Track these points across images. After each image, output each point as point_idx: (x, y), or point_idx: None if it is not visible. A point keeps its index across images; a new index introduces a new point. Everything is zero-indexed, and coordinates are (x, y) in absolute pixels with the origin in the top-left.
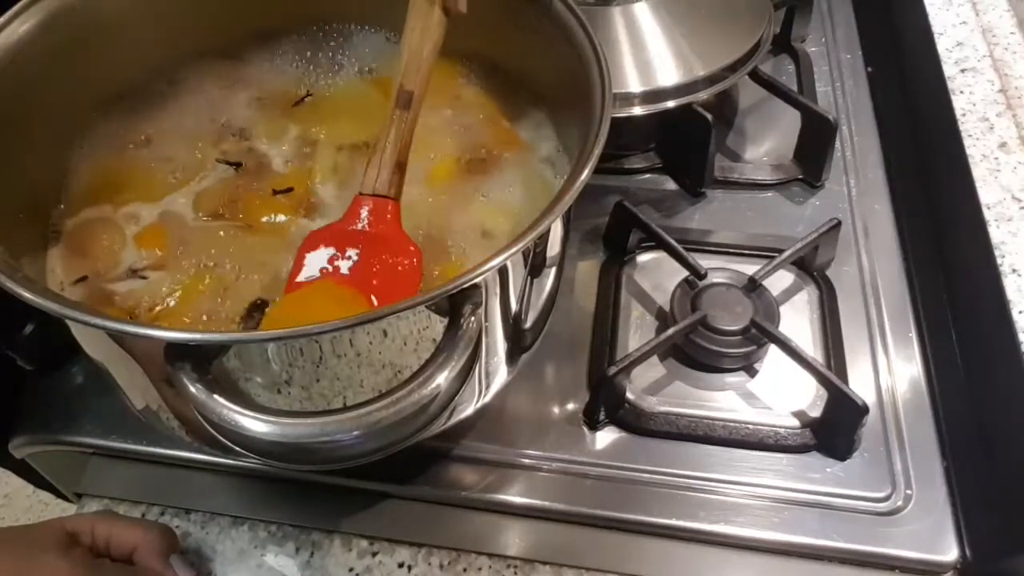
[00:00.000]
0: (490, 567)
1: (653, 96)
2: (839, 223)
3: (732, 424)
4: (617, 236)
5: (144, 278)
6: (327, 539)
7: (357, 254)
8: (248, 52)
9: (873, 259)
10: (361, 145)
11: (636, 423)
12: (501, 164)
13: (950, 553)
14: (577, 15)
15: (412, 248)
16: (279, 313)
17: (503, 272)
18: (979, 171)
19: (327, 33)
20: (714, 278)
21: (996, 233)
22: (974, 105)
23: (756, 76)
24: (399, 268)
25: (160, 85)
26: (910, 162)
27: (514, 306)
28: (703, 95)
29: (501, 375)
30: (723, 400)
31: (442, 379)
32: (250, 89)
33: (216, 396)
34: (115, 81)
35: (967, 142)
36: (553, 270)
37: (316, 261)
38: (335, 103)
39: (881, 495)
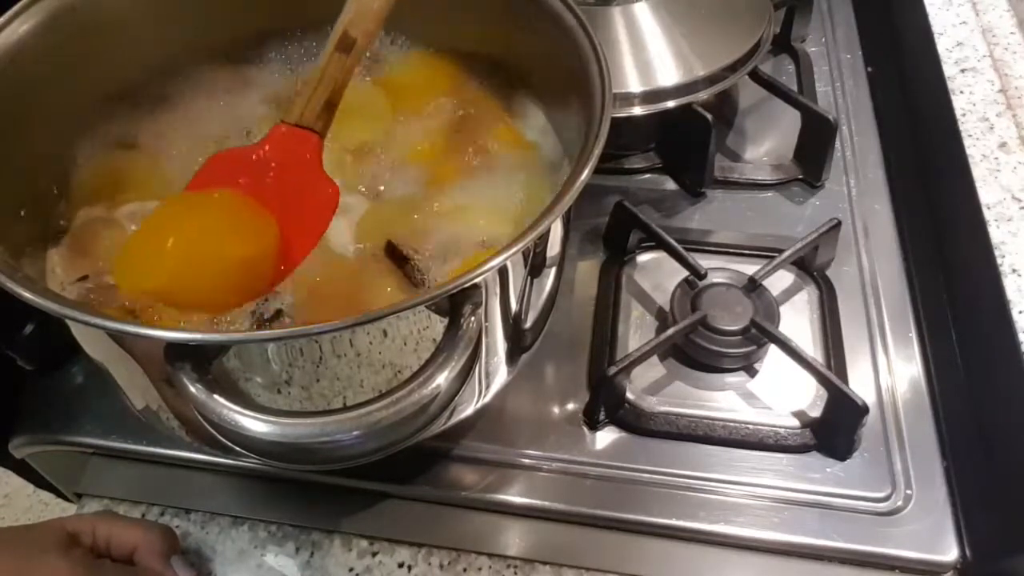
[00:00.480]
0: (490, 567)
1: (653, 96)
2: (839, 223)
3: (732, 424)
4: (617, 236)
5: None
6: (327, 539)
7: (269, 177)
8: (252, 52)
9: (873, 259)
10: (367, 145)
11: (636, 423)
12: (504, 164)
13: (950, 553)
14: (577, 15)
15: (329, 187)
16: (172, 208)
17: (503, 272)
18: (979, 171)
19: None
20: (714, 278)
21: (996, 233)
22: (974, 105)
23: (756, 76)
24: (311, 202)
25: (163, 85)
26: (910, 162)
27: (514, 306)
28: (703, 95)
29: (501, 375)
30: (723, 400)
31: (442, 379)
32: (255, 90)
33: (216, 396)
34: (116, 81)
35: (967, 142)
36: (553, 270)
37: (224, 173)
38: (341, 104)
39: (881, 495)
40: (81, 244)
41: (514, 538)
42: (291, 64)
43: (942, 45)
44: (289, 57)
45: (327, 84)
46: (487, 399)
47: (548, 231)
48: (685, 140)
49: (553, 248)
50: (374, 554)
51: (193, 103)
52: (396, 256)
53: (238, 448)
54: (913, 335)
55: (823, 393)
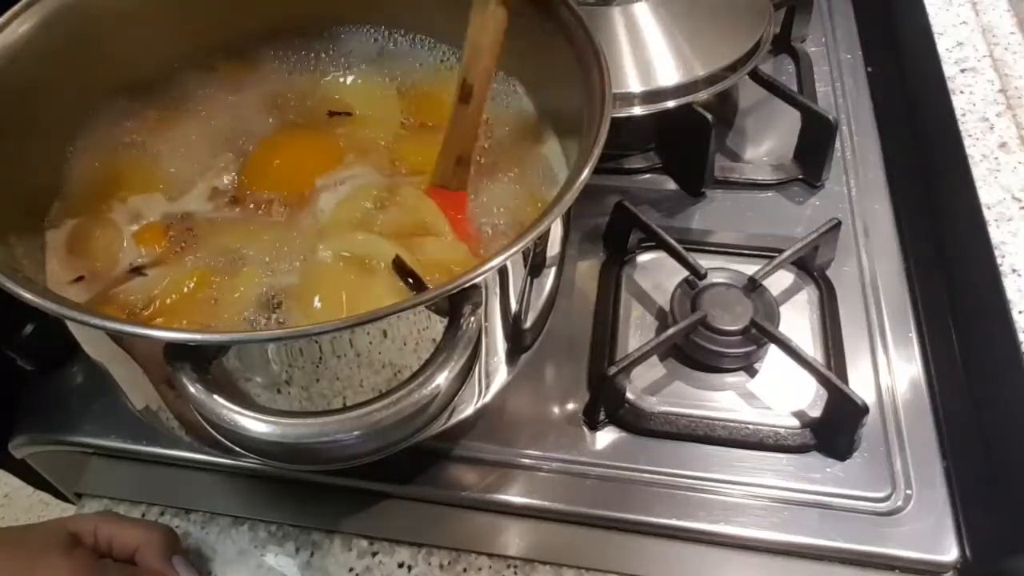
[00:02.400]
0: (490, 567)
1: (653, 96)
2: (839, 223)
3: (732, 424)
4: (617, 236)
5: (144, 275)
6: (327, 539)
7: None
8: (252, 52)
9: (873, 259)
10: (379, 146)
11: (636, 423)
12: (510, 166)
13: (950, 553)
14: (577, 15)
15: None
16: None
17: (503, 272)
18: (979, 171)
19: (337, 30)
20: (714, 278)
21: (996, 233)
22: (974, 105)
23: (756, 76)
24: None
25: (162, 85)
26: (910, 162)
27: (514, 306)
28: (703, 95)
29: (501, 375)
30: (723, 400)
31: (442, 379)
32: (254, 89)
33: (216, 396)
34: (115, 81)
35: (967, 142)
36: (553, 270)
37: None
38: (347, 97)
39: (881, 495)
40: (80, 243)
41: (514, 538)
42: (290, 64)
43: (942, 45)
44: (288, 57)
45: (452, 139)
46: (487, 399)
47: (548, 231)
48: (685, 140)
49: (553, 248)
50: (374, 554)
51: (192, 103)
52: (404, 272)
53: (238, 448)
54: (913, 335)
55: (823, 393)
